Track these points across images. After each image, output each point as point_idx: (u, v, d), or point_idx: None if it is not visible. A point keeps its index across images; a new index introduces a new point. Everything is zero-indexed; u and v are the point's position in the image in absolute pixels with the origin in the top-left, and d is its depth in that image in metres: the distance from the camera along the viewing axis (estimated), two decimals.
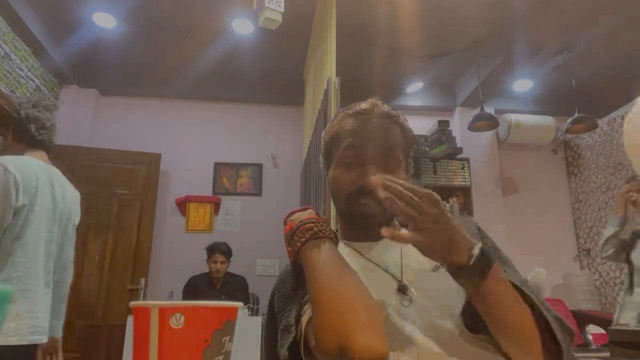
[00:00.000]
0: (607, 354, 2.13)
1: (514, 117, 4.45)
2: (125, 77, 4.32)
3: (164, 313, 0.44)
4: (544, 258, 4.20)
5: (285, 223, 0.78)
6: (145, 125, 4.41)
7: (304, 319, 0.71)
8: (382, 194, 0.60)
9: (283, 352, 0.71)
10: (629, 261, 2.44)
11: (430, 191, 0.61)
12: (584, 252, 4.47)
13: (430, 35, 3.67)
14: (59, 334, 1.67)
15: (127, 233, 3.91)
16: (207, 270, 3.55)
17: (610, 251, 2.50)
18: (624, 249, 2.46)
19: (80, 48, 3.81)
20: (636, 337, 1.69)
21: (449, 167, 4.26)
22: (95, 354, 3.07)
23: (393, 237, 0.60)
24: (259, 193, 4.43)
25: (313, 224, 0.73)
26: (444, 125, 4.31)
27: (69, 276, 1.74)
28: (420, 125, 4.42)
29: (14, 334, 1.39)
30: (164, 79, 4.32)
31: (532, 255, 4.16)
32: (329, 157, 0.86)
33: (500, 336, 0.65)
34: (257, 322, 2.70)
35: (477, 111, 3.96)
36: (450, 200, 4.20)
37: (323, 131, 0.90)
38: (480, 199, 4.26)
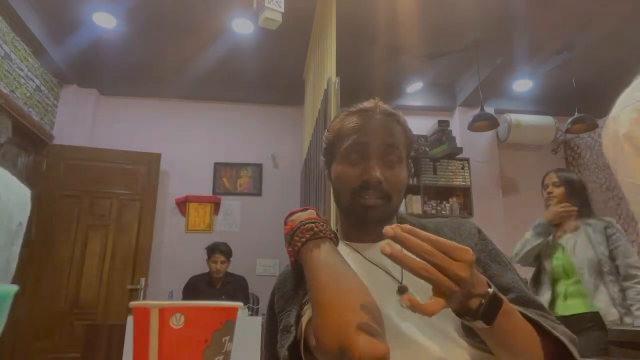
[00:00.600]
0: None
1: (514, 117, 4.45)
2: (125, 77, 4.32)
3: (164, 313, 0.44)
4: None
5: (285, 223, 0.78)
6: (145, 125, 4.41)
7: (304, 319, 0.71)
8: (386, 249, 0.50)
9: (283, 352, 0.71)
10: (540, 264, 2.31)
11: (466, 248, 0.52)
12: None
13: (430, 35, 3.67)
14: None
15: (127, 233, 3.92)
16: (207, 270, 3.56)
17: (530, 259, 2.33)
18: (539, 255, 2.32)
19: (80, 48, 3.81)
20: (636, 337, 1.69)
21: (449, 167, 4.26)
22: (95, 354, 3.07)
23: (412, 307, 0.49)
24: (259, 193, 4.43)
25: (313, 224, 0.73)
26: (444, 125, 4.31)
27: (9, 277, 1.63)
28: (420, 125, 4.42)
29: None
30: (164, 79, 4.33)
31: None
32: (331, 155, 0.87)
33: None
34: (257, 322, 2.69)
35: (477, 111, 3.96)
36: (450, 200, 4.21)
37: (325, 129, 0.90)
38: (480, 199, 4.26)
